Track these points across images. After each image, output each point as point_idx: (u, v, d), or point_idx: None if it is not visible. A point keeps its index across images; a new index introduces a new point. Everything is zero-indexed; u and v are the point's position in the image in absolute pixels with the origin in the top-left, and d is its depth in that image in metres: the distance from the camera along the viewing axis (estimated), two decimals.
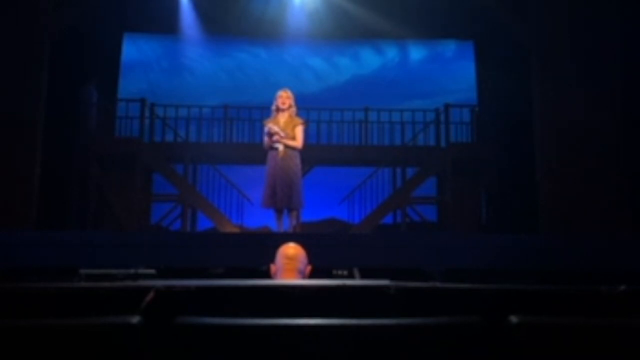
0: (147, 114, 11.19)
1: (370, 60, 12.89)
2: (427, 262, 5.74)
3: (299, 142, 6.40)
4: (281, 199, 6.30)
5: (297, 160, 6.42)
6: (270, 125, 6.39)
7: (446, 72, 11.99)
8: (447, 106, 11.31)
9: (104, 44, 10.80)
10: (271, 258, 3.39)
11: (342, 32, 11.08)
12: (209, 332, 1.52)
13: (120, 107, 11.30)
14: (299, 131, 6.42)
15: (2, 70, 8.30)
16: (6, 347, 1.45)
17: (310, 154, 9.27)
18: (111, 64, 11.29)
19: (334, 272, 5.56)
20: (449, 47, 12.68)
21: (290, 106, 6.47)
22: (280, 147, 6.32)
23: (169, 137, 11.50)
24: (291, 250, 3.36)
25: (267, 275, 3.38)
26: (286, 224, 6.53)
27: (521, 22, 9.20)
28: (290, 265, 3.25)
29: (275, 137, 6.33)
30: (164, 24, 11.10)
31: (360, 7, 10.52)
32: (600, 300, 1.77)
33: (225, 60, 12.48)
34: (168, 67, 12.26)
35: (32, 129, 8.43)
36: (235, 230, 10.17)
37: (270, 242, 3.82)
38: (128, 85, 11.43)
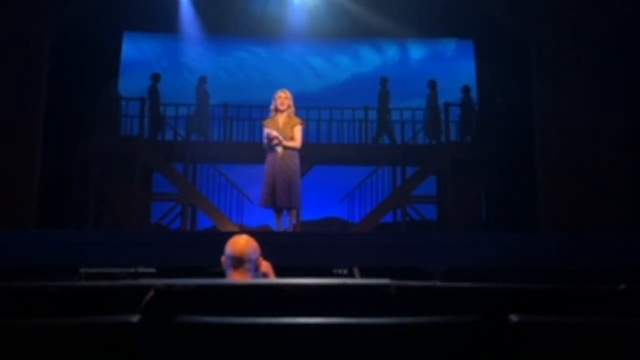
0: (147, 112, 11.19)
1: (370, 59, 12.89)
2: (427, 261, 5.75)
3: (297, 142, 6.42)
4: (280, 198, 6.31)
5: (296, 160, 6.44)
6: (269, 131, 6.40)
7: (446, 71, 11.98)
8: (447, 105, 11.30)
9: (104, 42, 10.80)
10: (271, 257, 3.37)
11: (342, 30, 11.08)
12: (209, 331, 1.52)
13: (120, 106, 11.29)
14: (298, 131, 6.43)
15: (1, 69, 8.31)
16: (6, 347, 1.45)
17: (310, 153, 9.26)
18: (111, 63, 11.29)
19: (334, 271, 5.56)
20: (449, 46, 12.68)
21: (289, 107, 6.48)
22: (279, 149, 6.34)
23: (169, 136, 11.50)
24: (239, 249, 3.02)
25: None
26: (286, 223, 6.54)
27: (521, 21, 9.20)
28: (239, 266, 2.98)
29: (275, 141, 6.34)
30: (164, 23, 11.10)
31: (360, 5, 10.52)
32: (600, 299, 1.77)
33: (225, 59, 12.48)
34: (168, 66, 12.25)
35: (32, 128, 8.44)
36: (235, 229, 10.16)
37: (270, 241, 3.80)
38: (128, 84, 11.43)
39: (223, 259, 3.08)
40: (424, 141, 11.53)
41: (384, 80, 11.48)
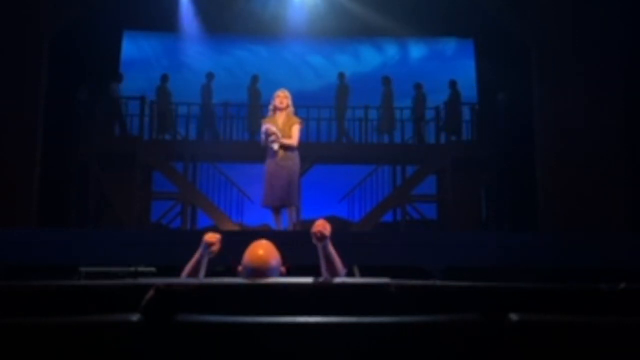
0: (146, 111, 11.18)
1: (371, 58, 12.89)
2: (427, 260, 5.75)
3: (294, 140, 6.43)
4: (280, 196, 6.33)
5: (296, 159, 6.46)
6: (268, 126, 6.41)
7: (446, 70, 11.97)
8: (447, 104, 11.29)
9: (103, 42, 10.79)
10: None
11: (342, 29, 11.08)
12: (208, 330, 1.52)
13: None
14: (295, 130, 6.46)
15: (1, 69, 8.30)
16: (7, 345, 1.45)
17: (310, 152, 9.26)
18: (111, 62, 11.29)
19: None
20: (449, 45, 12.68)
21: (287, 106, 6.50)
22: (276, 146, 6.35)
23: (169, 135, 11.49)
24: (259, 260, 2.71)
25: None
26: (285, 221, 6.55)
27: (521, 20, 9.20)
28: (259, 278, 2.45)
29: (272, 137, 6.35)
30: (164, 22, 11.10)
31: (360, 4, 10.52)
32: (600, 298, 1.77)
33: (225, 57, 12.47)
34: (168, 64, 12.24)
35: (32, 128, 8.44)
36: (235, 228, 10.16)
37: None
38: (128, 83, 11.42)
39: (240, 269, 2.78)
40: (378, 139, 11.48)
41: (341, 76, 11.39)
